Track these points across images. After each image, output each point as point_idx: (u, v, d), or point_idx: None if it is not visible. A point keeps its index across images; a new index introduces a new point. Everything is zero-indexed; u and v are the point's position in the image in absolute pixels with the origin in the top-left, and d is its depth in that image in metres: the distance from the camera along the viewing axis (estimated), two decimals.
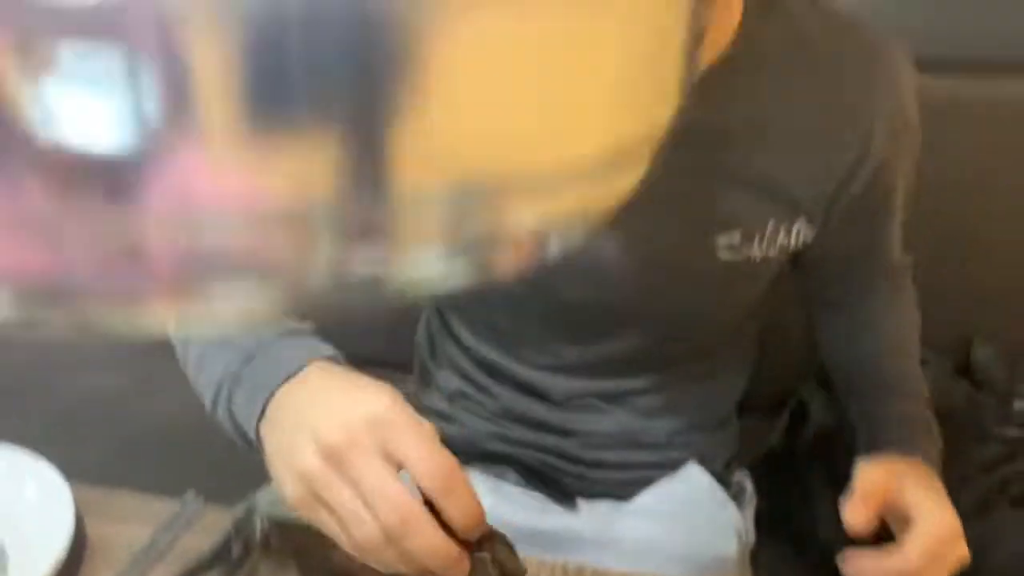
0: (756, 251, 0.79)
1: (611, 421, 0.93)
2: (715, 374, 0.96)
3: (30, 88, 0.19)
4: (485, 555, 0.56)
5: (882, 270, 0.93)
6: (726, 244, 0.78)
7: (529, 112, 0.23)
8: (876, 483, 0.72)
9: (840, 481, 0.73)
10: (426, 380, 1.02)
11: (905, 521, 0.71)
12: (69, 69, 0.19)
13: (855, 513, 0.69)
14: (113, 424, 1.40)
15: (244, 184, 0.20)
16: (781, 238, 0.80)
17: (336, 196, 0.21)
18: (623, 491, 0.94)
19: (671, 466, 0.94)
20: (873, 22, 0.79)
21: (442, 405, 0.99)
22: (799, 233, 0.80)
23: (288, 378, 0.61)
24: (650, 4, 0.25)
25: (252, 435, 0.62)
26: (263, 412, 0.61)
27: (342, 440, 0.54)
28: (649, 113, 0.27)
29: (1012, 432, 1.00)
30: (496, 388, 0.94)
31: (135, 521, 0.79)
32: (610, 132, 0.26)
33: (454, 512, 0.54)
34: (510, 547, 0.59)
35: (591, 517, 0.93)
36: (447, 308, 0.97)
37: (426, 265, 0.23)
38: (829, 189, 0.79)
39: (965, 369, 1.05)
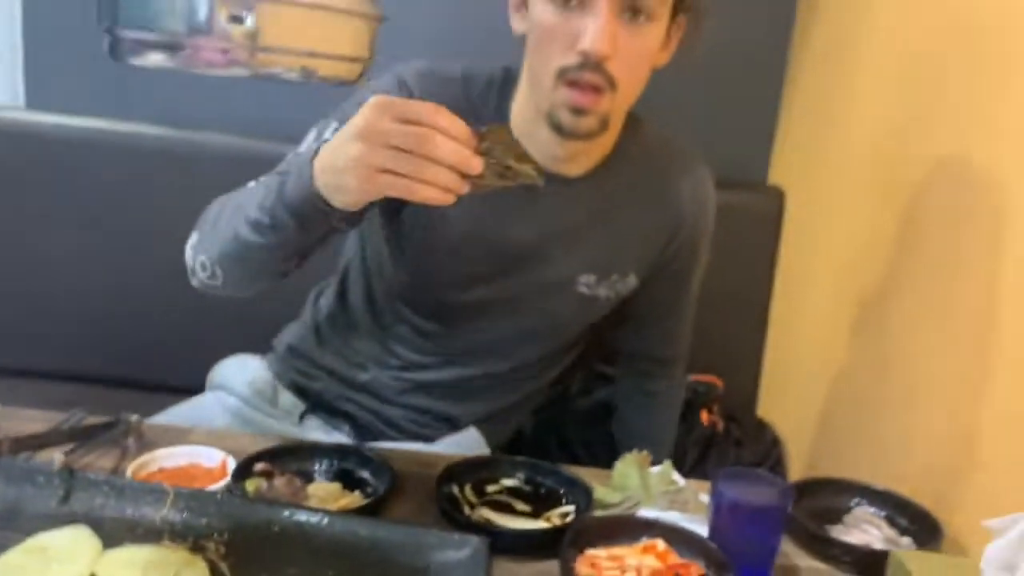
0: (602, 291, 1.21)
1: (427, 401, 1.26)
2: (532, 381, 1.32)
3: None
4: (488, 145, 0.84)
5: (673, 345, 1.37)
6: (584, 281, 1.20)
7: None
8: None
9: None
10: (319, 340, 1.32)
11: None
12: None
13: None
14: None
15: None
16: (619, 285, 1.22)
17: None
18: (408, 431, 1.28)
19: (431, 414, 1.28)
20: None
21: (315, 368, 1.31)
22: (630, 284, 1.23)
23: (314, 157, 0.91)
24: None
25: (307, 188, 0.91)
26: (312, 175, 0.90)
27: (364, 121, 0.83)
28: None
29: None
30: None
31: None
32: None
33: (449, 124, 0.82)
34: (509, 133, 0.86)
35: None
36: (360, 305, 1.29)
37: None
38: (652, 255, 1.24)
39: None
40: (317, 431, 1.28)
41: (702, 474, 1.21)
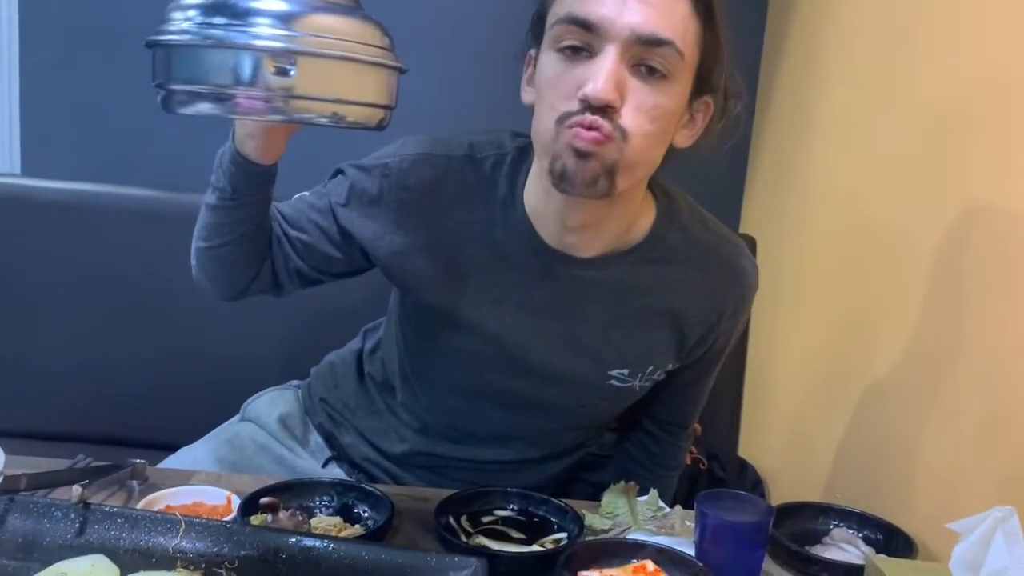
0: (636, 383, 1.17)
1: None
2: (567, 458, 1.31)
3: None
4: None
5: (689, 415, 1.31)
6: (616, 376, 1.15)
7: None
8: None
9: None
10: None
11: None
12: None
13: None
14: None
15: None
16: (656, 376, 1.18)
17: None
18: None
19: None
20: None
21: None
22: (667, 371, 1.19)
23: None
24: None
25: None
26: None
27: None
28: None
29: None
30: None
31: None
32: None
33: None
34: None
35: None
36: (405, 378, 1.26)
37: None
38: (689, 345, 1.18)
39: None
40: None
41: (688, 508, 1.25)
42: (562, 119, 0.95)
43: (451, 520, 1.07)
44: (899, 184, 1.32)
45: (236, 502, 1.04)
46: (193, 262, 1.16)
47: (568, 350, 1.13)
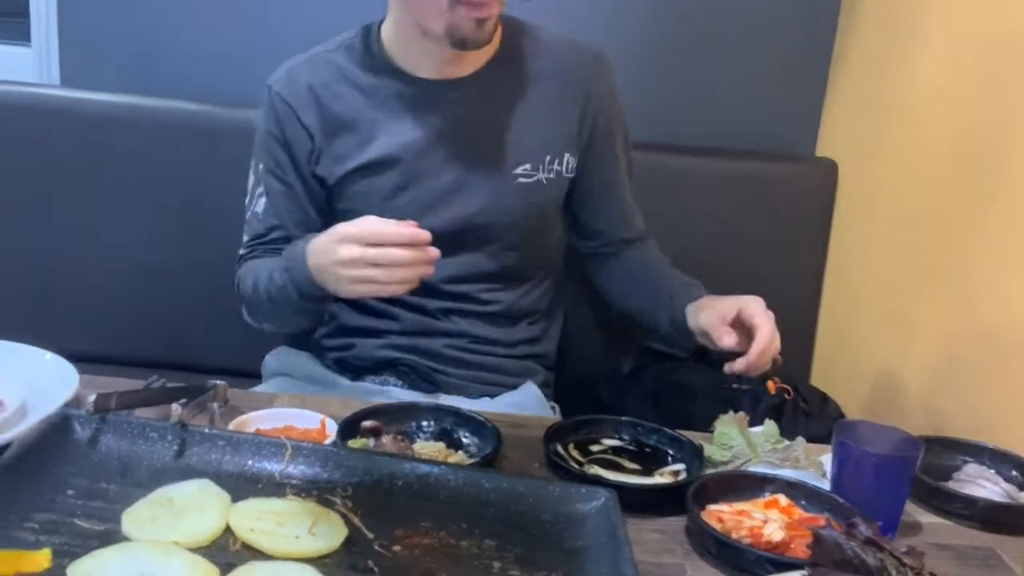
0: (542, 176, 1.27)
1: (468, 325, 1.30)
2: (539, 309, 1.36)
3: None
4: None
5: (627, 220, 1.38)
6: (521, 172, 1.26)
7: None
8: (721, 312, 1.14)
9: None
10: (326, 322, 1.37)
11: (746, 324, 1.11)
12: None
13: (726, 335, 1.11)
14: None
15: None
16: (556, 166, 1.28)
17: None
18: (471, 389, 1.29)
19: (494, 371, 1.31)
20: None
21: (340, 340, 1.35)
22: (568, 162, 1.30)
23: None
24: None
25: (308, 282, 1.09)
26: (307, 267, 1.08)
27: (340, 255, 1.01)
28: None
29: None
30: (393, 310, 1.30)
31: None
32: None
33: (409, 235, 0.98)
34: None
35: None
36: None
37: None
38: (572, 130, 1.29)
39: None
40: (376, 395, 1.26)
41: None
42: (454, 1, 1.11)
43: (559, 448, 1.00)
44: (1012, 103, 1.22)
45: (331, 426, 0.97)
46: (249, 319, 1.28)
47: (470, 164, 1.25)
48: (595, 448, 1.03)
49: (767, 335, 1.08)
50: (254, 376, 1.38)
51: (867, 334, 1.62)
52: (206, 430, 0.85)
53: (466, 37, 1.15)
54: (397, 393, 1.27)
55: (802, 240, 1.74)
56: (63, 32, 1.74)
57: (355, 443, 0.94)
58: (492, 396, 1.29)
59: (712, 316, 1.16)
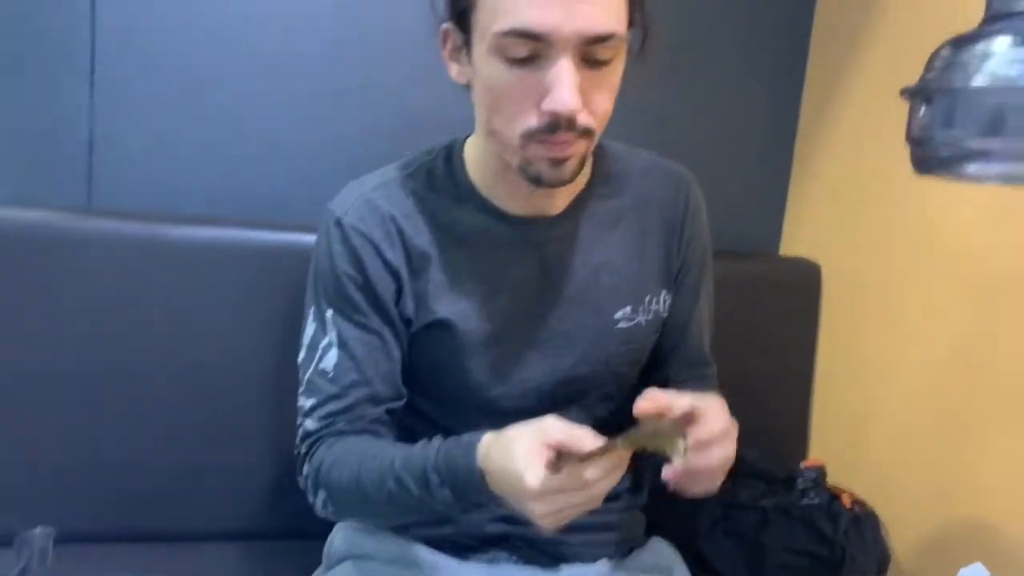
0: (641, 319, 1.17)
1: None
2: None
3: None
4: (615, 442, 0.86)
5: (698, 353, 1.26)
6: (622, 316, 1.15)
7: None
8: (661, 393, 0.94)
9: None
10: None
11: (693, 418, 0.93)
12: None
13: (643, 400, 0.93)
14: None
15: None
16: (654, 306, 1.18)
17: None
18: (590, 553, 1.17)
19: (616, 528, 1.20)
20: None
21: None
22: (664, 300, 1.19)
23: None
24: None
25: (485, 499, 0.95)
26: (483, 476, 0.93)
27: (536, 510, 0.87)
28: None
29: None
30: None
31: None
32: None
33: (602, 473, 0.86)
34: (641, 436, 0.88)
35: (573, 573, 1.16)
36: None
37: None
38: (668, 264, 1.19)
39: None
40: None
41: None
42: (529, 134, 0.96)
43: None
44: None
45: None
46: (325, 511, 1.09)
47: (568, 310, 1.13)
48: None
49: (709, 429, 0.92)
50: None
51: (864, 420, 1.63)
52: None
53: (540, 175, 1.00)
54: (510, 572, 1.12)
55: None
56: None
57: None
58: (610, 557, 1.19)
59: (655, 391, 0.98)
